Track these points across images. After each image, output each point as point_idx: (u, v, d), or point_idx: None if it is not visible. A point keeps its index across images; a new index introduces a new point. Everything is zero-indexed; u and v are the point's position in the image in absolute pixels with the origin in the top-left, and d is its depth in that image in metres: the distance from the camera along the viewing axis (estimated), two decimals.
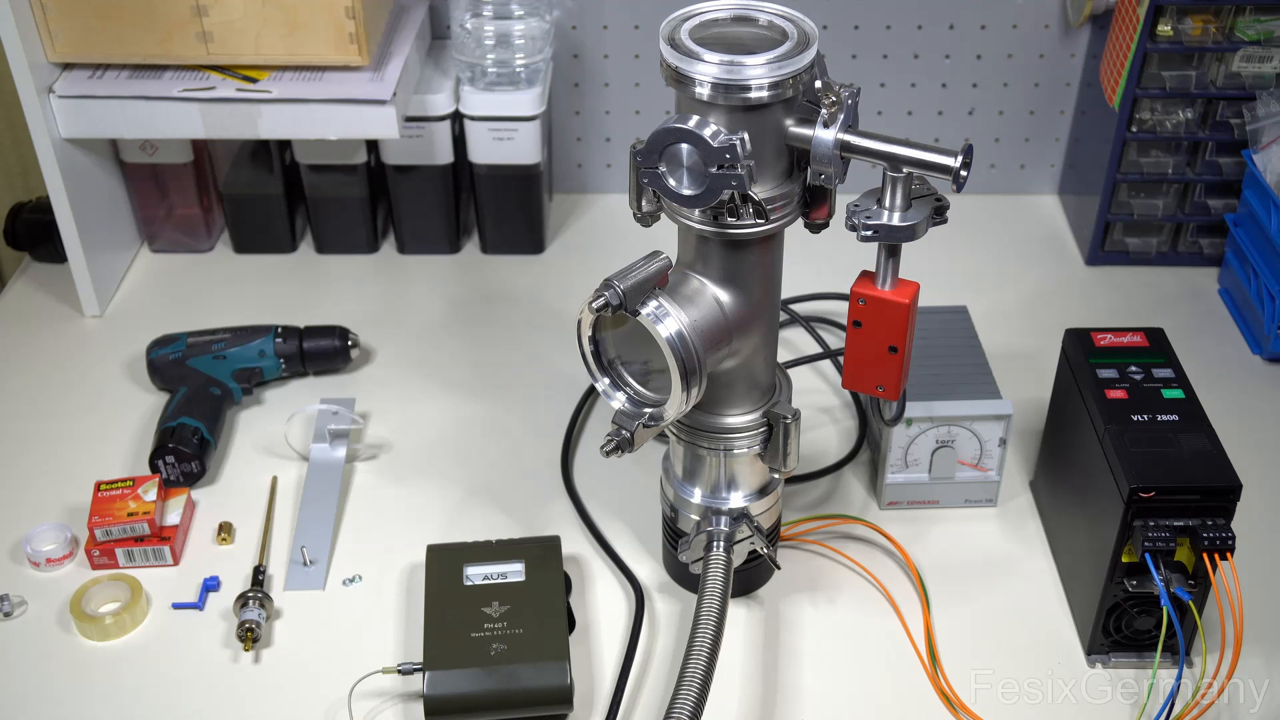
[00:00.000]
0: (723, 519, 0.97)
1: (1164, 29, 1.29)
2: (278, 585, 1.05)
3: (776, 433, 0.95)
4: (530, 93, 1.35)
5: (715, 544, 0.96)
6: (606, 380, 0.91)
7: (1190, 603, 0.92)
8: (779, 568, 1.03)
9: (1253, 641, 0.97)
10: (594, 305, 0.84)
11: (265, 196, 1.42)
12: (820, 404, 1.25)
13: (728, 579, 0.93)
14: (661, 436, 1.03)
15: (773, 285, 0.92)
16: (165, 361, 1.22)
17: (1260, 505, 1.07)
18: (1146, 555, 0.91)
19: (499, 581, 0.99)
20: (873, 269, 0.87)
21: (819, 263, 1.28)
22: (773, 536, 1.03)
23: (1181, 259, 1.44)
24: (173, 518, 1.08)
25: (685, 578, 1.04)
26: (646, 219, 0.91)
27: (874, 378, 0.91)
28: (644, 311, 0.85)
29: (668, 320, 0.85)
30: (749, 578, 1.05)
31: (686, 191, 0.83)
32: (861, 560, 1.07)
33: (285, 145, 1.40)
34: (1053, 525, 1.09)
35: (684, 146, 0.81)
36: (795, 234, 0.91)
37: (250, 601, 1.00)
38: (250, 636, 0.98)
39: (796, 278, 1.21)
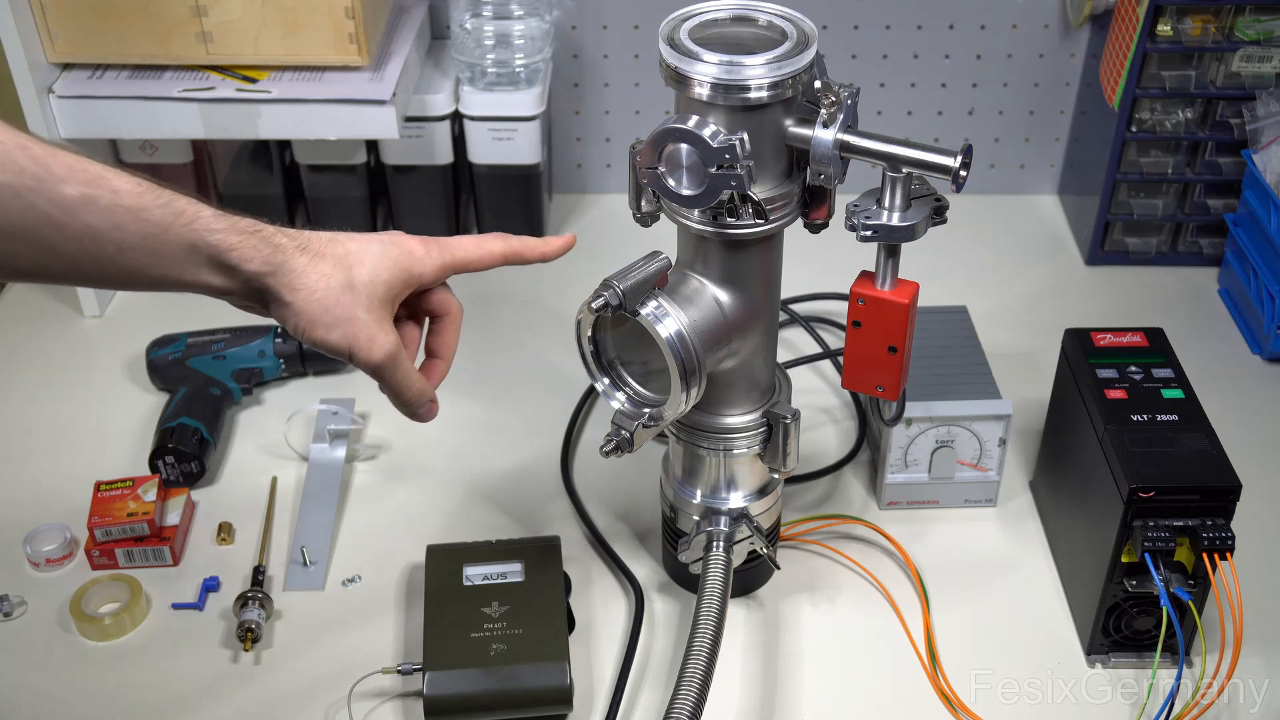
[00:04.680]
0: (722, 519, 0.97)
1: (1164, 29, 1.29)
2: (278, 585, 1.05)
3: (776, 433, 0.95)
4: (530, 93, 1.35)
5: (715, 544, 0.96)
6: (606, 380, 0.91)
7: (1190, 603, 0.92)
8: (779, 568, 1.03)
9: (1253, 641, 0.97)
10: (594, 305, 0.84)
11: (265, 196, 1.42)
12: (820, 404, 1.25)
13: (727, 579, 0.93)
14: (661, 436, 1.02)
15: (772, 285, 0.92)
16: (165, 362, 1.23)
17: (1260, 505, 1.06)
18: (1146, 555, 0.91)
19: (499, 582, 0.99)
20: (872, 269, 0.87)
21: (819, 263, 1.28)
22: (772, 536, 1.03)
23: (1181, 259, 1.44)
24: (173, 518, 1.08)
25: (685, 578, 1.04)
26: (646, 219, 0.91)
27: (874, 378, 0.91)
28: (644, 311, 0.85)
29: (667, 320, 0.85)
30: (749, 578, 1.05)
31: (686, 191, 0.83)
32: (861, 560, 1.07)
33: (285, 145, 1.40)
34: (1053, 525, 1.09)
35: (684, 146, 0.81)
36: (795, 234, 0.91)
37: (250, 602, 1.00)
38: (250, 636, 0.98)
39: (796, 278, 1.21)
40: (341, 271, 0.76)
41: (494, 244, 0.83)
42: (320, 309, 0.75)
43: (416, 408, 0.82)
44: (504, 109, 1.35)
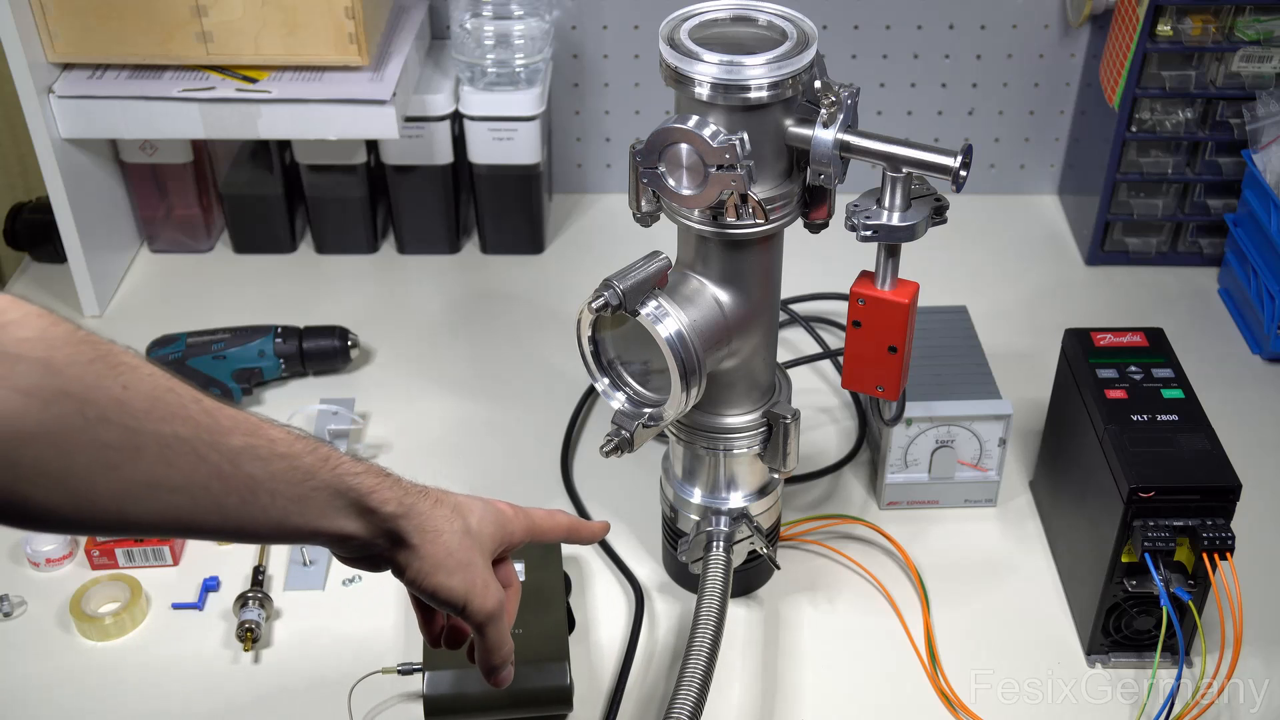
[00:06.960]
0: (722, 519, 0.97)
1: (1164, 29, 1.29)
2: (278, 585, 1.05)
3: (776, 433, 0.95)
4: (530, 93, 1.35)
5: (715, 544, 0.96)
6: (606, 380, 0.91)
7: (1190, 603, 0.92)
8: (779, 568, 1.03)
9: (1253, 641, 0.97)
10: (594, 305, 0.84)
11: (265, 196, 1.42)
12: (820, 404, 1.25)
13: (727, 579, 0.93)
14: (661, 436, 1.03)
15: (772, 285, 0.92)
16: (165, 362, 1.22)
17: (1260, 505, 1.07)
18: (1146, 555, 0.91)
19: None
20: (872, 269, 0.87)
21: (819, 263, 1.28)
22: (772, 536, 1.03)
23: (1181, 259, 1.44)
24: None
25: (685, 578, 1.04)
26: (646, 219, 0.91)
27: (874, 378, 0.91)
28: (643, 311, 0.85)
29: (667, 320, 0.85)
30: (749, 578, 1.05)
31: (686, 191, 0.83)
32: (861, 560, 1.07)
33: (285, 145, 1.40)
34: (1053, 525, 1.09)
35: (684, 146, 0.81)
36: (795, 234, 0.91)
37: (250, 601, 1.00)
38: (250, 636, 0.98)
39: (796, 278, 1.21)
40: (460, 518, 0.76)
41: (561, 518, 0.86)
42: (445, 552, 0.74)
43: (504, 666, 0.80)
44: (504, 109, 1.35)
